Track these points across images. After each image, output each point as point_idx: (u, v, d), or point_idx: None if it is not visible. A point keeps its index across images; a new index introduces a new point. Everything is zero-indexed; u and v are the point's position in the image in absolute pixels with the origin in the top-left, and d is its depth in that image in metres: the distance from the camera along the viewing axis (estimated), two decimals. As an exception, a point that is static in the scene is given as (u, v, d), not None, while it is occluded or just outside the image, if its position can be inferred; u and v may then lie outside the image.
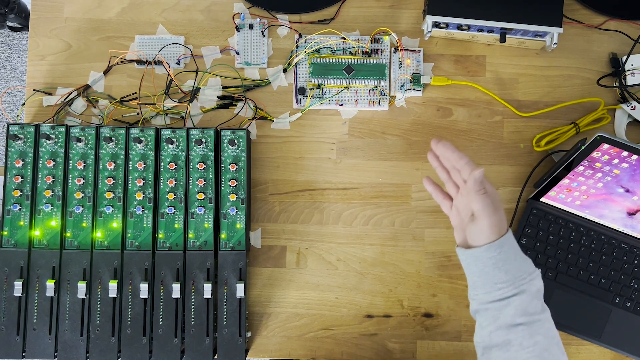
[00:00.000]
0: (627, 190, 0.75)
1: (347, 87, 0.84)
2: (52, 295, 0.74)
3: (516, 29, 0.80)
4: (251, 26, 0.84)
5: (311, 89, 0.84)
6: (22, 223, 0.75)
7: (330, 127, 0.85)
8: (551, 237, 0.82)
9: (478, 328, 0.61)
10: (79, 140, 0.77)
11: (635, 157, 0.70)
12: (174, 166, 0.77)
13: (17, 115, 1.63)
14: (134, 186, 0.77)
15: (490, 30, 0.81)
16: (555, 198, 0.80)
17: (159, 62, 0.84)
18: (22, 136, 0.76)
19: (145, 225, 0.76)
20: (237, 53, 0.84)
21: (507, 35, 0.81)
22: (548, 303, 0.80)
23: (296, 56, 0.84)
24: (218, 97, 0.84)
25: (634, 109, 0.82)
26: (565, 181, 0.77)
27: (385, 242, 0.83)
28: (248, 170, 0.79)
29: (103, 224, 0.76)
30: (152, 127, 0.78)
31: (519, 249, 0.61)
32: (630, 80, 0.82)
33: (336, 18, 0.86)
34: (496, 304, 0.58)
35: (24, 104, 0.84)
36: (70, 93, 0.83)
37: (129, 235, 0.76)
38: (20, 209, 0.75)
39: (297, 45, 0.84)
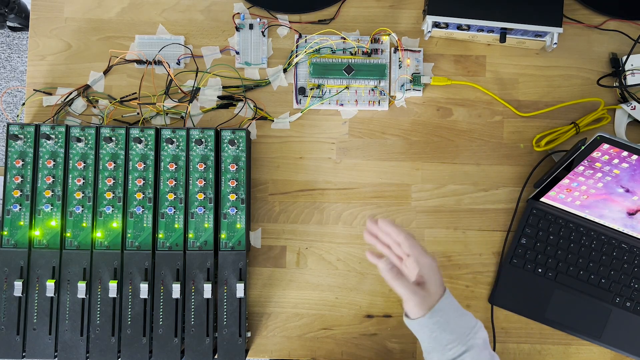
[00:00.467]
0: (627, 190, 0.75)
1: (347, 87, 0.84)
2: (52, 295, 0.74)
3: (516, 29, 0.80)
4: (251, 26, 0.84)
5: (311, 89, 0.84)
6: (22, 223, 0.75)
7: (330, 127, 0.85)
8: (551, 237, 0.82)
9: None
10: (79, 140, 0.77)
11: (635, 157, 0.70)
12: (174, 166, 0.77)
13: (17, 115, 1.63)
14: (134, 186, 0.77)
15: (490, 30, 0.81)
16: (555, 198, 0.80)
17: (159, 62, 0.84)
18: (22, 136, 0.76)
19: (145, 225, 0.76)
20: (237, 53, 0.84)
21: (507, 35, 0.81)
22: (548, 303, 0.81)
23: (296, 56, 0.84)
24: (218, 97, 0.84)
25: (634, 109, 0.82)
26: (565, 181, 0.77)
27: (385, 242, 0.83)
28: (248, 170, 0.79)
29: (103, 224, 0.76)
30: (152, 127, 0.78)
31: (458, 305, 0.64)
32: (630, 80, 0.82)
33: (336, 18, 0.86)
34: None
35: (24, 104, 0.84)
36: (70, 93, 0.83)
37: (129, 235, 0.76)
38: (20, 209, 0.75)
39: (297, 45, 0.84)
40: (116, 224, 0.76)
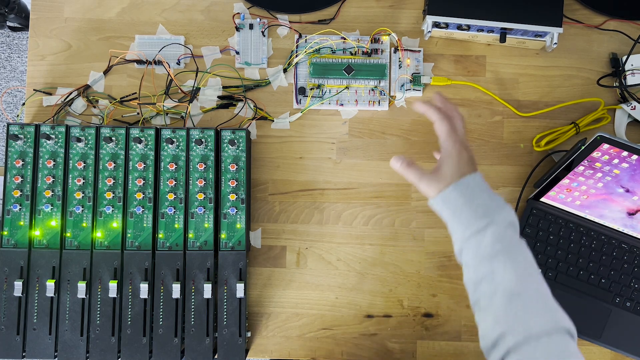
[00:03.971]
0: (627, 190, 0.75)
1: (347, 87, 0.84)
2: (52, 295, 0.74)
3: (516, 29, 0.80)
4: (251, 26, 0.84)
5: (311, 89, 0.84)
6: (22, 223, 0.75)
7: (330, 127, 0.85)
8: (551, 237, 0.82)
9: (465, 269, 0.61)
10: (79, 140, 0.77)
11: (635, 157, 0.70)
12: (174, 166, 0.77)
13: (17, 115, 1.63)
14: (134, 186, 0.77)
15: (490, 30, 0.81)
16: (555, 198, 0.80)
17: (159, 62, 0.84)
18: (22, 136, 0.76)
19: (145, 225, 0.76)
20: (237, 53, 0.84)
21: (507, 35, 0.81)
22: (548, 303, 0.81)
23: (296, 56, 0.84)
24: (218, 97, 0.84)
25: (634, 109, 0.82)
26: (565, 181, 0.77)
27: (385, 242, 0.83)
28: (248, 170, 0.79)
29: (103, 224, 0.76)
30: (152, 127, 0.78)
31: (488, 187, 0.62)
32: (630, 80, 0.82)
33: (336, 18, 0.86)
34: (473, 239, 0.59)
35: (24, 104, 0.84)
36: (70, 93, 0.83)
37: (129, 235, 0.76)
38: (20, 209, 0.75)
39: (297, 45, 0.84)
40: (116, 224, 0.76)
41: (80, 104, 0.84)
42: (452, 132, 0.64)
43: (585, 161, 0.73)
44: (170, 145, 0.78)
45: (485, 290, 0.58)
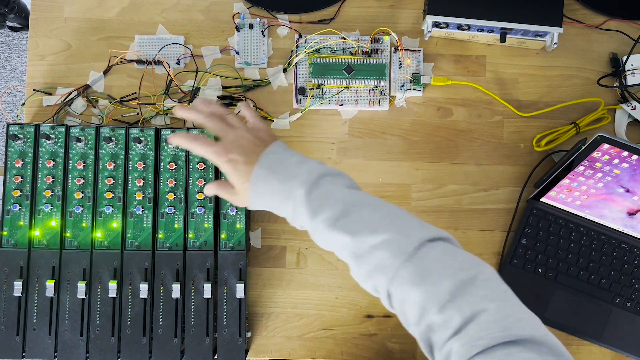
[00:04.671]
0: (627, 190, 0.75)
1: (347, 87, 0.84)
2: (52, 295, 0.74)
3: (516, 29, 0.80)
4: (251, 26, 0.84)
5: (311, 89, 0.84)
6: (22, 223, 0.75)
7: (330, 127, 0.85)
8: (551, 237, 0.82)
9: (312, 237, 0.59)
10: (78, 140, 0.77)
11: (635, 157, 0.70)
12: (174, 166, 0.77)
13: (17, 115, 1.63)
14: (134, 186, 0.77)
15: (490, 30, 0.81)
16: (555, 198, 0.80)
17: (159, 62, 0.84)
18: (22, 136, 0.76)
19: (145, 225, 0.76)
20: (237, 53, 0.84)
21: (507, 35, 0.81)
22: (548, 303, 0.81)
23: (296, 56, 0.84)
24: (218, 97, 0.84)
25: (634, 109, 0.82)
26: (565, 181, 0.77)
27: (385, 242, 0.83)
28: (248, 170, 0.79)
29: (103, 224, 0.76)
30: (152, 127, 0.78)
31: (281, 159, 0.58)
32: (631, 80, 0.82)
33: (336, 18, 0.86)
34: (296, 222, 0.58)
35: (23, 104, 0.84)
36: (70, 93, 0.83)
37: (128, 235, 0.76)
38: (20, 209, 0.75)
39: (297, 45, 0.84)
40: (116, 224, 0.76)
41: (80, 104, 0.84)
42: (224, 128, 0.61)
43: (586, 161, 0.73)
44: (170, 145, 0.77)
45: (338, 254, 0.57)
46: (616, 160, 0.72)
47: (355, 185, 0.59)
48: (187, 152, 0.77)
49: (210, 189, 0.67)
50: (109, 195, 0.76)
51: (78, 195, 0.76)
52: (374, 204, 0.56)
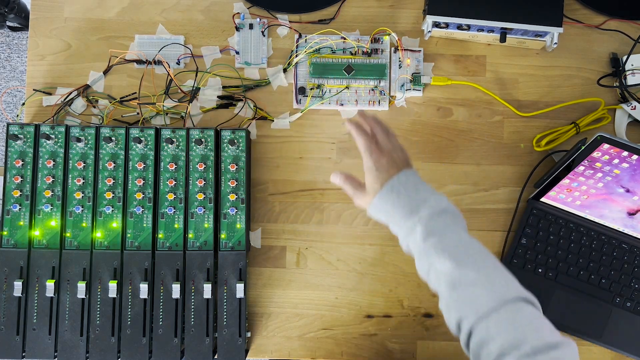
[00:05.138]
0: (627, 190, 0.75)
1: (347, 87, 0.84)
2: (52, 295, 0.74)
3: (516, 28, 0.80)
4: (251, 26, 0.84)
5: (311, 88, 0.84)
6: (22, 223, 0.75)
7: (330, 127, 0.85)
8: (551, 237, 0.82)
9: (416, 263, 0.62)
10: (78, 140, 0.77)
11: (635, 157, 0.70)
12: (174, 166, 0.77)
13: (17, 115, 1.63)
14: (134, 186, 0.77)
15: (490, 30, 0.81)
16: (555, 198, 0.80)
17: (159, 62, 0.84)
18: (22, 136, 0.76)
19: (145, 225, 0.76)
20: (237, 53, 0.84)
21: (507, 35, 0.81)
22: (548, 303, 0.81)
23: (296, 56, 0.84)
24: (218, 97, 0.84)
25: (634, 109, 0.82)
26: (565, 181, 0.77)
27: (385, 242, 0.83)
28: (248, 170, 0.79)
29: (103, 224, 0.76)
30: (152, 127, 0.78)
31: (415, 183, 0.63)
32: (631, 80, 0.82)
33: (336, 18, 0.86)
34: (409, 239, 0.61)
35: (23, 104, 0.84)
36: (70, 93, 0.83)
37: (128, 235, 0.76)
38: (20, 209, 0.75)
39: (297, 45, 0.84)
40: (116, 224, 0.76)
41: (80, 104, 0.84)
42: (369, 145, 0.65)
43: (586, 161, 0.73)
44: (170, 145, 0.77)
45: (434, 281, 0.59)
46: (616, 160, 0.72)
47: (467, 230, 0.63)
48: (187, 152, 0.77)
49: (338, 179, 0.68)
50: (109, 195, 0.76)
51: (78, 195, 0.76)
52: (485, 251, 0.60)
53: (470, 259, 0.58)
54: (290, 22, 0.85)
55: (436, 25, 0.82)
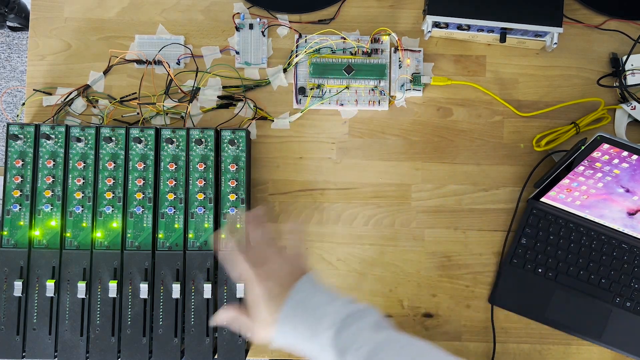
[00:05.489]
0: (627, 190, 0.75)
1: (347, 87, 0.84)
2: (52, 295, 0.74)
3: (516, 29, 0.80)
4: (251, 26, 0.84)
5: (311, 89, 0.84)
6: (22, 223, 0.75)
7: (330, 127, 0.85)
8: (551, 237, 0.82)
9: None
10: (79, 140, 0.77)
11: (635, 157, 0.70)
12: (174, 166, 0.77)
13: (17, 115, 1.63)
14: (134, 186, 0.77)
15: (490, 30, 0.81)
16: (555, 198, 0.80)
17: (159, 62, 0.84)
18: (22, 136, 0.76)
19: (145, 225, 0.76)
20: (237, 53, 0.84)
21: (507, 35, 0.81)
22: (548, 303, 0.81)
23: (296, 56, 0.84)
24: (218, 97, 0.84)
25: (634, 109, 0.82)
26: (565, 181, 0.77)
27: (385, 242, 0.83)
28: (248, 170, 0.79)
29: (103, 224, 0.76)
30: (152, 127, 0.78)
31: (307, 299, 0.55)
32: (631, 80, 0.82)
33: (336, 18, 0.86)
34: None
35: (24, 104, 0.84)
36: (70, 93, 0.83)
37: (129, 235, 0.76)
38: (20, 209, 0.75)
39: (297, 45, 0.84)
40: (116, 224, 0.76)
41: (80, 104, 0.84)
42: (244, 271, 0.58)
43: (586, 161, 0.73)
44: (170, 145, 0.78)
45: None
46: (616, 160, 0.72)
47: (382, 322, 0.57)
48: (187, 152, 0.78)
49: (223, 318, 0.60)
50: (109, 195, 0.76)
51: (78, 195, 0.76)
52: (402, 343, 0.55)
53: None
54: (290, 22, 0.85)
55: (436, 25, 0.82)
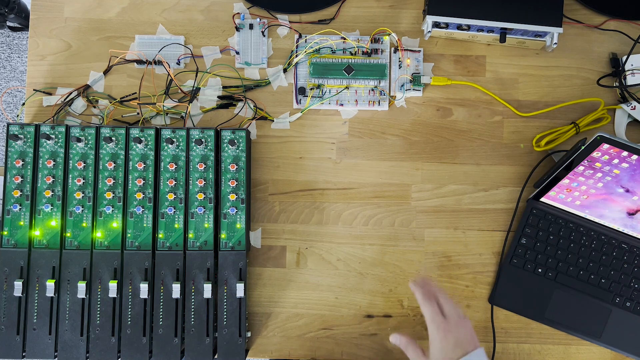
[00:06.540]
0: (627, 190, 0.75)
1: (347, 87, 0.84)
2: (52, 295, 0.74)
3: (516, 29, 0.80)
4: (251, 26, 0.84)
5: (311, 89, 0.84)
6: (22, 223, 0.75)
7: (330, 127, 0.85)
8: (551, 237, 0.82)
9: None
10: (79, 140, 0.77)
11: (635, 157, 0.70)
12: (174, 166, 0.77)
13: (17, 115, 1.63)
14: (134, 186, 0.77)
15: (490, 30, 0.82)
16: (555, 198, 0.80)
17: (159, 62, 0.84)
18: (22, 136, 0.76)
19: (145, 225, 0.76)
20: (237, 53, 0.84)
21: (507, 35, 0.81)
22: (548, 303, 0.81)
23: (296, 56, 0.84)
24: (218, 97, 0.84)
25: (634, 109, 0.82)
26: (565, 181, 0.77)
27: (385, 242, 0.83)
28: (248, 170, 0.79)
29: (103, 224, 0.76)
30: (152, 127, 0.78)
31: None
32: (630, 80, 0.82)
33: (336, 18, 0.86)
34: None
35: (24, 104, 0.84)
36: (70, 93, 0.83)
37: (129, 235, 0.76)
38: (20, 209, 0.75)
39: (297, 45, 0.84)
40: (116, 224, 0.76)
41: (80, 104, 0.84)
42: (435, 316, 0.66)
43: (585, 161, 0.73)
44: (170, 145, 0.78)
45: None
46: (616, 160, 0.72)
47: None
48: (187, 152, 0.78)
49: (399, 341, 0.70)
50: (109, 195, 0.76)
51: (78, 195, 0.76)
52: None
53: None
54: (290, 22, 0.86)
55: (436, 25, 0.82)
